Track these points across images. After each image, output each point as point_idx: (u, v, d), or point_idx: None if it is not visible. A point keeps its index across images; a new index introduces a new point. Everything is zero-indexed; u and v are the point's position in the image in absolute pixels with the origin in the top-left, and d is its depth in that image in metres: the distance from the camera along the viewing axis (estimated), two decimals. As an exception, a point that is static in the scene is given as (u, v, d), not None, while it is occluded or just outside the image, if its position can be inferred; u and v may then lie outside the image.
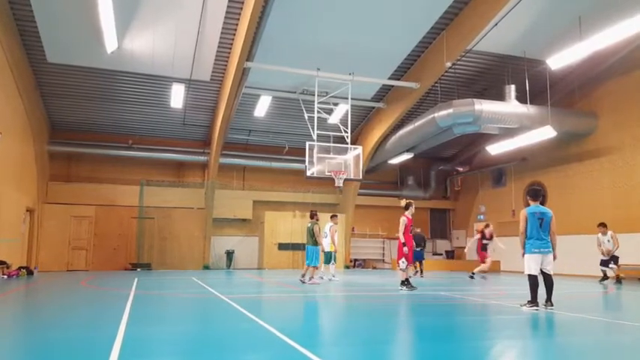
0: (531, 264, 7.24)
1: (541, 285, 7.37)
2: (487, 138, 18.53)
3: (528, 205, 7.63)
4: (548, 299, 7.28)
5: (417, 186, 23.29)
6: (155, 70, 15.58)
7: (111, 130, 19.13)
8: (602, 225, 13.73)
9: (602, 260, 13.77)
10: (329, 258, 13.60)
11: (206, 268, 19.37)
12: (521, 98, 15.78)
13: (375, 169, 21.28)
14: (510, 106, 15.60)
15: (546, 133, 15.38)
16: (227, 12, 13.16)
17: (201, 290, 10.57)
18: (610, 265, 13.62)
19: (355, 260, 22.43)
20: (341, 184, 13.92)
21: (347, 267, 21.41)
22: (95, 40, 13.58)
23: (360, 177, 14.85)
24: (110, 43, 13.52)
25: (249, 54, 13.64)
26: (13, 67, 13.69)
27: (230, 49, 14.62)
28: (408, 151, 19.03)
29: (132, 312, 6.74)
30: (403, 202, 10.65)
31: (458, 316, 7.21)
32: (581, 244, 16.63)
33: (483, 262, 14.13)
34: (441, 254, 23.71)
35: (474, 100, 15.02)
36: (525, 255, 7.33)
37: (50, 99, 16.96)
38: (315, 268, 12.43)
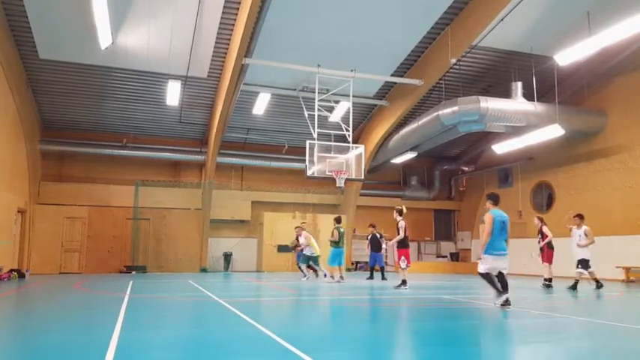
0: (488, 264, 7.76)
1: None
2: (493, 136, 18.24)
3: (492, 208, 8.10)
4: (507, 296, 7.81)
5: (420, 186, 22.94)
6: (150, 67, 15.27)
7: (105, 128, 18.79)
8: (578, 216, 11.91)
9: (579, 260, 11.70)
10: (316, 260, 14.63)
11: (203, 270, 19.08)
12: (528, 96, 15.47)
13: (378, 168, 20.96)
14: (517, 104, 15.29)
15: (554, 131, 15.05)
16: (225, 6, 12.87)
17: (198, 293, 10.46)
18: (580, 270, 11.58)
19: (357, 263, 22.09)
20: (342, 184, 13.69)
21: (348, 270, 21.11)
22: (88, 36, 13.28)
23: (362, 177, 14.56)
24: (104, 39, 13.22)
25: (247, 50, 13.36)
26: (4, 63, 13.40)
27: (228, 44, 14.33)
28: (411, 150, 18.76)
29: (127, 316, 6.63)
30: (405, 209, 11.95)
31: (461, 320, 7.09)
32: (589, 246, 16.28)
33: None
34: (446, 256, 23.36)
35: (480, 97, 14.72)
36: (484, 255, 7.78)
37: (42, 96, 16.64)
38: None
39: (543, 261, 12.49)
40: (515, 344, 5.30)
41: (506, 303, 7.66)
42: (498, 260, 7.72)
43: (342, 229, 14.01)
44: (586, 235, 11.60)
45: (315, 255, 14.50)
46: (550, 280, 12.28)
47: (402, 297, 9.83)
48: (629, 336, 5.78)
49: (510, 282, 10.73)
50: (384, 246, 15.72)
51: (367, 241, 15.83)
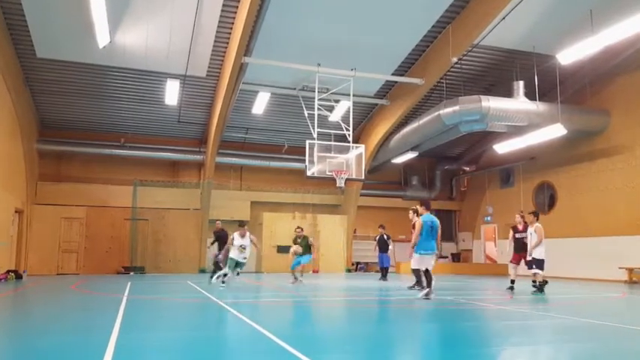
0: (420, 262, 9.11)
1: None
2: (494, 136, 18.09)
3: (424, 213, 9.31)
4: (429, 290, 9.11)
5: (421, 186, 22.79)
6: (149, 66, 15.13)
7: (103, 128, 18.64)
8: (532, 214, 11.17)
9: (527, 260, 10.99)
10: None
11: (202, 271, 18.87)
12: (530, 95, 15.31)
13: (378, 168, 20.81)
14: (518, 103, 15.16)
15: (556, 131, 14.88)
16: (224, 4, 12.76)
17: (196, 295, 10.41)
18: (532, 270, 10.88)
19: (357, 264, 21.95)
20: (342, 185, 13.55)
21: (349, 270, 21.00)
22: (86, 35, 13.12)
23: (363, 177, 14.43)
24: (102, 38, 13.09)
25: (246, 48, 13.23)
26: (1, 62, 13.25)
27: (227, 43, 14.20)
28: (412, 149, 18.61)
29: (125, 318, 6.60)
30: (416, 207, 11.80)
31: (463, 322, 7.05)
32: (591, 247, 16.20)
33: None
34: (447, 257, 23.19)
35: (481, 96, 14.59)
36: (415, 254, 9.04)
37: (40, 96, 16.50)
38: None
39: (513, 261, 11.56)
40: (517, 345, 5.23)
41: (427, 296, 8.92)
42: (426, 258, 9.00)
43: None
44: (535, 232, 10.78)
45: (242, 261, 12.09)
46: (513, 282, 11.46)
47: (404, 298, 9.73)
48: (631, 337, 5.72)
49: (518, 283, 10.54)
50: (390, 247, 15.54)
51: (375, 242, 15.68)
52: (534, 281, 10.94)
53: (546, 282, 10.93)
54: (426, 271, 9.16)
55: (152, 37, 13.81)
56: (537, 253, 10.72)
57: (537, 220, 10.95)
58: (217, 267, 13.40)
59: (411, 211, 11.96)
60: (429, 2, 13.24)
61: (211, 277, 13.09)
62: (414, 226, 11.69)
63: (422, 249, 8.96)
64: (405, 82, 16.05)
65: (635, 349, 5.12)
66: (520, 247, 11.27)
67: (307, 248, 13.18)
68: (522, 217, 11.51)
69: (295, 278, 13.16)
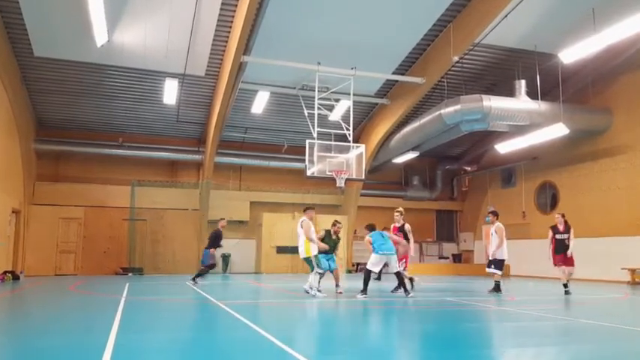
0: (378, 263, 9.66)
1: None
2: (496, 136, 18.02)
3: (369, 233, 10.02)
4: (402, 289, 9.90)
5: (422, 186, 22.69)
6: (147, 65, 15.03)
7: (101, 127, 18.56)
8: (492, 213, 11.23)
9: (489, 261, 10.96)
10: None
11: (201, 272, 18.77)
12: (531, 94, 15.22)
13: (379, 168, 20.73)
14: (520, 103, 15.05)
15: (558, 130, 14.79)
16: (223, 2, 12.67)
17: (195, 296, 10.40)
18: (490, 270, 10.92)
19: (357, 264, 21.84)
20: (342, 185, 13.42)
21: (349, 271, 20.90)
22: (84, 33, 13.02)
23: (363, 177, 14.30)
24: (100, 36, 12.97)
25: (246, 47, 13.13)
26: (-2, 61, 13.17)
27: (226, 42, 14.11)
28: (413, 149, 18.51)
29: (123, 319, 6.60)
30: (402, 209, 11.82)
31: (465, 323, 7.02)
32: (593, 247, 16.05)
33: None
34: (448, 258, 23.10)
35: (483, 95, 14.47)
36: (375, 255, 9.61)
37: (37, 95, 16.40)
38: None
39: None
40: (518, 347, 5.20)
41: (363, 294, 9.58)
42: (385, 258, 9.63)
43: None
44: (496, 232, 10.75)
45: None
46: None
47: (405, 299, 9.67)
48: (632, 339, 5.68)
49: (515, 283, 10.47)
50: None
51: None
52: (565, 284, 10.87)
53: (499, 282, 10.94)
54: (397, 274, 9.79)
55: (150, 35, 13.70)
56: (499, 254, 10.76)
57: (497, 219, 11.06)
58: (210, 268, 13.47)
59: (397, 213, 11.33)
60: (430, 1, 13.14)
61: (196, 276, 13.11)
62: (399, 229, 11.33)
63: (381, 250, 9.57)
64: (405, 82, 15.96)
65: (636, 350, 5.07)
66: (561, 247, 11.08)
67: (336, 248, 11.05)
68: (563, 216, 11.33)
69: (319, 290, 9.83)
